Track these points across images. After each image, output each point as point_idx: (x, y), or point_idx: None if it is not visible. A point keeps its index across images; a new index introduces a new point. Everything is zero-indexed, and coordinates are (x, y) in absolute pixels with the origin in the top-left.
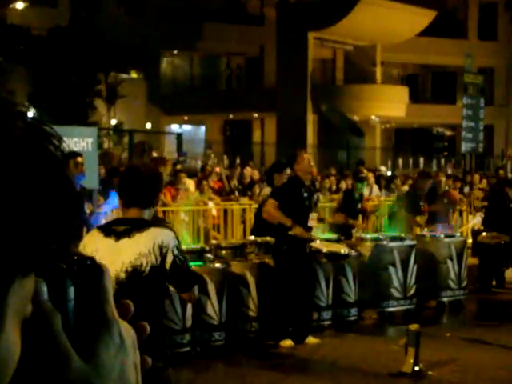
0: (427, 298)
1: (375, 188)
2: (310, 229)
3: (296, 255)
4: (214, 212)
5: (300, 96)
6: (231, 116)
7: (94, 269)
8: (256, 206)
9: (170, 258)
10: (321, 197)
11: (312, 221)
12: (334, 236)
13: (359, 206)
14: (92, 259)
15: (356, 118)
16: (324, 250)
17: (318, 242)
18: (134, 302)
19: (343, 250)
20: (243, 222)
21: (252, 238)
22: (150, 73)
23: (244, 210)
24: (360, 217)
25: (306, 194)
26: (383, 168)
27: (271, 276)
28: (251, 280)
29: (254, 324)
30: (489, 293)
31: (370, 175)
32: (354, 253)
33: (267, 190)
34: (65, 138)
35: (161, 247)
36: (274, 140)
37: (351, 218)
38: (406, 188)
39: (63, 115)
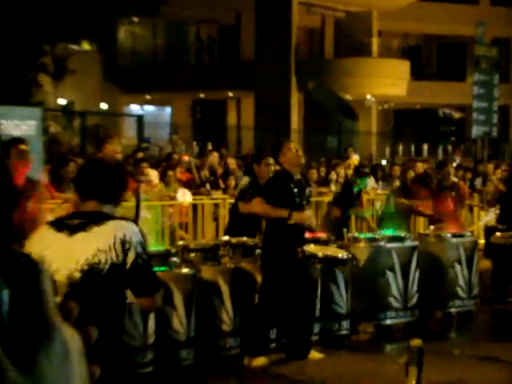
0: (432, 309)
1: (371, 180)
2: (302, 230)
3: (287, 261)
4: (188, 199)
5: (283, 72)
6: (202, 95)
7: (30, 267)
8: (231, 200)
9: (131, 256)
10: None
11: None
12: (322, 236)
13: (357, 202)
14: (27, 256)
15: (349, 97)
16: (319, 255)
17: (311, 245)
18: (89, 306)
19: (341, 254)
20: (216, 219)
21: (226, 238)
22: (106, 44)
23: (217, 206)
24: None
25: (296, 190)
26: (384, 162)
27: (248, 283)
28: (225, 288)
29: (229, 340)
30: (504, 303)
31: (353, 161)
32: (349, 256)
33: (245, 180)
34: (2, 121)
35: (123, 242)
36: (252, 123)
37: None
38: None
39: (0, 93)
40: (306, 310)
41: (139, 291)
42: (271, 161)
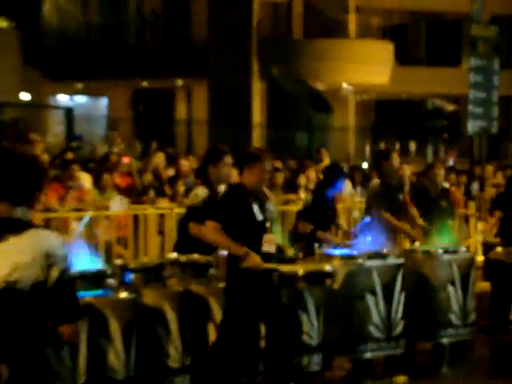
0: (420, 339)
1: (348, 184)
2: (267, 256)
3: (259, 290)
4: (123, 208)
5: (242, 56)
6: (144, 84)
7: None
8: (180, 210)
9: (55, 273)
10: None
11: (267, 244)
12: (288, 253)
13: (330, 212)
14: None
15: (321, 86)
16: (300, 272)
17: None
18: (3, 335)
19: (327, 266)
20: (161, 232)
21: (174, 255)
22: (27, 20)
23: (162, 217)
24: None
25: (256, 208)
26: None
27: (201, 310)
28: (172, 316)
29: (177, 379)
30: (505, 332)
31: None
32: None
33: (201, 191)
34: None
35: (47, 256)
36: (206, 117)
37: (320, 229)
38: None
39: None
40: (282, 345)
41: (61, 316)
42: (230, 160)
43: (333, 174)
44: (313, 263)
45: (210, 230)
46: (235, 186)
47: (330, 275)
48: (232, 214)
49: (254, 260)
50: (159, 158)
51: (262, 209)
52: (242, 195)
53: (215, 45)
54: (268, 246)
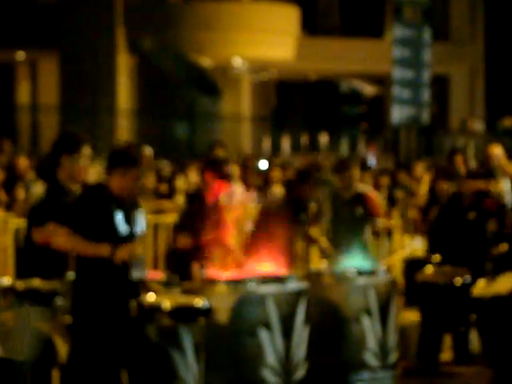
0: None
1: (238, 191)
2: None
3: (112, 325)
4: None
5: (104, 22)
6: None
7: None
8: (18, 220)
9: None
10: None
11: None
12: (158, 276)
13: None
14: None
15: (206, 62)
16: (166, 306)
17: (150, 293)
18: None
19: (199, 301)
20: None
21: (7, 281)
22: None
23: None
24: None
25: (119, 217)
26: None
27: (43, 352)
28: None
29: None
30: (435, 374)
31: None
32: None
33: (39, 188)
34: None
35: None
36: (56, 101)
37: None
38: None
39: None
40: None
41: None
42: (89, 151)
43: (211, 174)
44: (182, 296)
45: (60, 234)
46: (96, 187)
47: (205, 312)
48: (87, 222)
49: (125, 251)
50: None
51: (129, 219)
52: (104, 200)
53: (68, 7)
54: (136, 270)
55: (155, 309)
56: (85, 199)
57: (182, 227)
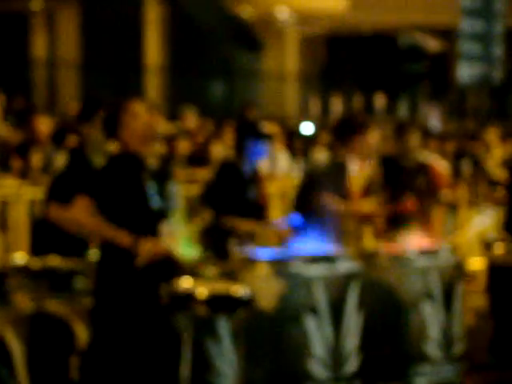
0: (383, 380)
1: (282, 157)
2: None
3: (139, 313)
4: None
5: None
6: None
7: None
8: (35, 192)
9: None
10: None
11: (165, 234)
12: (194, 252)
13: (252, 193)
14: None
15: (247, 13)
16: (204, 294)
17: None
18: None
19: (240, 289)
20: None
21: (22, 259)
22: None
23: (5, 204)
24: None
25: (150, 184)
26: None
27: (61, 339)
28: (17, 347)
29: None
30: (508, 369)
31: (275, 130)
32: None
33: (62, 158)
34: None
35: None
36: (75, 55)
37: (237, 218)
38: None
39: None
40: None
41: None
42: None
43: (246, 137)
44: (219, 283)
45: (78, 210)
46: (120, 156)
47: (246, 302)
48: (112, 190)
49: (151, 246)
50: None
51: (161, 190)
52: (128, 165)
53: None
54: (165, 237)
55: (189, 296)
56: (108, 169)
57: (207, 200)
